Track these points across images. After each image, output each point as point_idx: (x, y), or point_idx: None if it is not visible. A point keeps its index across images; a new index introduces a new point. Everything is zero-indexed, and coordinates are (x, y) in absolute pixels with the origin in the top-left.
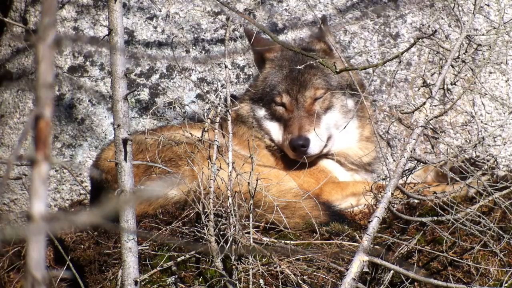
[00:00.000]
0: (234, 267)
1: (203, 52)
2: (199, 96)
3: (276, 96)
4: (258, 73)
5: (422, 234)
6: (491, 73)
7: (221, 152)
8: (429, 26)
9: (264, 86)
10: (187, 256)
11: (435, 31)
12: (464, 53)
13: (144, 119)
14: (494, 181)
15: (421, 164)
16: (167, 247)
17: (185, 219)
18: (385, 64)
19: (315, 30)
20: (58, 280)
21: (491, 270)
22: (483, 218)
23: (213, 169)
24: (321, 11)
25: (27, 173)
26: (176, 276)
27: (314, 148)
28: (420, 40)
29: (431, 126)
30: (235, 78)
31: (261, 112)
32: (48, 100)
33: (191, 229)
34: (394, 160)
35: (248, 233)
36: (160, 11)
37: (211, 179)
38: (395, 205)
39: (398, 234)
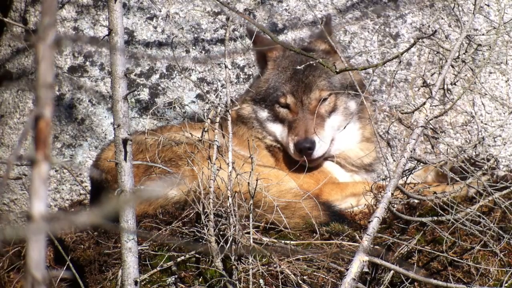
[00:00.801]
0: (234, 267)
1: (203, 52)
2: (199, 96)
3: (280, 97)
4: (258, 73)
5: (422, 234)
6: (491, 73)
7: (221, 152)
8: (429, 26)
9: (267, 87)
10: (187, 256)
11: (435, 31)
12: (464, 53)
13: (144, 119)
14: (494, 181)
15: (421, 164)
16: (167, 247)
17: (185, 219)
18: (385, 64)
19: (316, 30)
20: (58, 280)
21: (491, 270)
22: (483, 218)
23: (213, 169)
24: (321, 11)
25: (27, 173)
26: (176, 276)
27: (319, 151)
28: (420, 40)
29: (431, 126)
30: (235, 78)
31: (264, 114)
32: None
33: (191, 229)
34: (394, 160)
35: (248, 233)
36: (160, 11)
37: (211, 179)
38: (395, 205)
39: (398, 234)
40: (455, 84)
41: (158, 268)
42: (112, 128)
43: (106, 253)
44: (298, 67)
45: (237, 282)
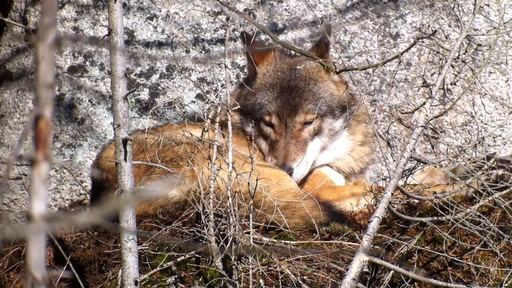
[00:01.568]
0: (234, 267)
1: (203, 52)
2: (199, 96)
3: (265, 115)
4: (245, 81)
5: (422, 234)
6: (491, 73)
7: (221, 152)
8: (429, 26)
9: (254, 102)
10: (187, 256)
11: (435, 31)
12: (464, 53)
13: (144, 119)
14: (494, 181)
15: (421, 164)
16: (167, 247)
17: (185, 219)
18: (385, 64)
19: (316, 30)
20: (58, 280)
21: (491, 270)
22: (483, 218)
23: (213, 169)
24: (321, 11)
25: (27, 173)
26: (176, 276)
27: (297, 175)
28: (420, 40)
29: (431, 126)
30: (235, 78)
31: (249, 128)
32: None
33: (191, 229)
34: (394, 160)
35: (248, 233)
36: (160, 11)
37: (211, 179)
38: (395, 205)
39: (398, 234)
40: (455, 84)
41: (158, 268)
42: (112, 128)
43: (106, 253)
44: (287, 87)
45: (237, 282)
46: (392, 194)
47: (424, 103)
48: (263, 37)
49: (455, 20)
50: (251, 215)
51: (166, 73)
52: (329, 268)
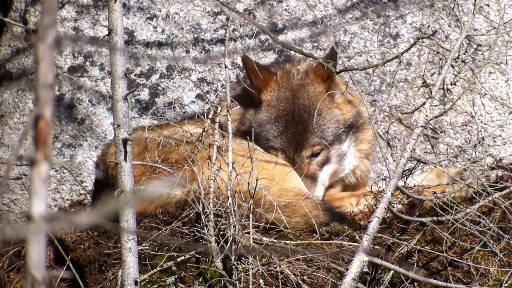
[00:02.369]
0: (234, 267)
1: (203, 52)
2: (199, 96)
3: (271, 150)
4: (249, 97)
5: (422, 234)
6: (491, 73)
7: (221, 152)
8: (429, 26)
9: (259, 131)
10: (187, 256)
11: (435, 31)
12: (464, 53)
13: (144, 119)
14: (494, 181)
15: (421, 164)
16: (167, 247)
17: (185, 219)
18: (385, 64)
19: (316, 30)
20: (58, 280)
21: (491, 270)
22: (483, 218)
23: (213, 169)
24: (321, 11)
25: (27, 173)
26: (176, 276)
27: None
28: (420, 40)
29: (431, 126)
30: (235, 78)
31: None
32: (48, 100)
33: (191, 229)
34: (394, 160)
35: (248, 233)
36: (160, 11)
37: (211, 179)
38: (395, 205)
39: (398, 234)
40: (455, 84)
41: (158, 268)
42: (112, 128)
43: (106, 253)
44: (291, 121)
45: (237, 282)
46: (392, 194)
47: (424, 103)
48: (263, 37)
49: (455, 20)
50: (251, 215)
51: (166, 73)
52: (329, 268)
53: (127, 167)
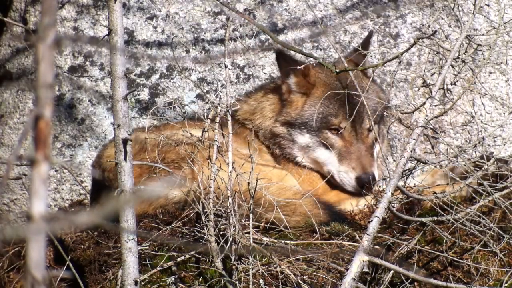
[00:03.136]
0: (234, 267)
1: (203, 52)
2: (199, 96)
3: (331, 124)
4: (284, 98)
5: (422, 234)
6: (491, 73)
7: (221, 152)
8: (429, 26)
9: (312, 112)
10: (187, 256)
11: (435, 31)
12: (464, 53)
13: (144, 119)
14: (493, 181)
15: (421, 164)
16: (167, 247)
17: (185, 219)
18: (385, 64)
19: (316, 30)
20: (58, 280)
21: (491, 270)
22: (483, 218)
23: (213, 169)
24: (321, 11)
25: (27, 173)
26: (176, 276)
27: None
28: (420, 40)
29: (431, 126)
30: (235, 78)
31: (304, 139)
32: (48, 100)
33: (191, 229)
34: (394, 160)
35: (248, 233)
36: (160, 11)
37: (211, 179)
38: (395, 205)
39: (398, 234)
40: (455, 84)
41: (158, 268)
42: (112, 128)
43: (106, 253)
44: (351, 92)
45: (237, 282)
46: (392, 194)
47: (424, 103)
48: (263, 37)
49: (455, 20)
50: (251, 215)
51: (166, 73)
52: (329, 268)
53: (127, 167)
